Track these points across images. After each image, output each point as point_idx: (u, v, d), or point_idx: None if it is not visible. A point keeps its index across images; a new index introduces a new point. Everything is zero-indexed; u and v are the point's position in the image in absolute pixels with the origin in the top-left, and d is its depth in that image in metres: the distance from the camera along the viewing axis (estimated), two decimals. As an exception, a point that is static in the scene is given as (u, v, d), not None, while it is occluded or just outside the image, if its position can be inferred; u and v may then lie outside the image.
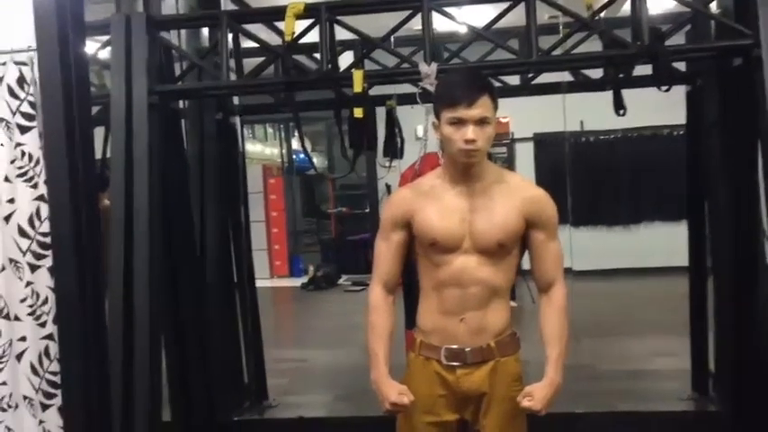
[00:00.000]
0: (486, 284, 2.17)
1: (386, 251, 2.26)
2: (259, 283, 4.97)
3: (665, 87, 3.50)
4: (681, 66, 4.09)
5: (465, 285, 2.16)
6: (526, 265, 2.32)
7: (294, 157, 12.98)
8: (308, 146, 13.56)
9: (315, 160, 13.71)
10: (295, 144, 12.57)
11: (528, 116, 8.45)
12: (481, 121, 2.08)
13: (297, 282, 10.38)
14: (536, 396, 2.12)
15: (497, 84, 4.15)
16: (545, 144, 9.54)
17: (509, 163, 9.98)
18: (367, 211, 10.21)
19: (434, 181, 2.25)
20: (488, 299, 2.18)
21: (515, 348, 2.27)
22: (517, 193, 2.19)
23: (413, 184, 2.34)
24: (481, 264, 2.15)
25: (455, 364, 2.20)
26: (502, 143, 10.03)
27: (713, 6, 3.76)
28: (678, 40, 3.77)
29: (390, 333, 2.25)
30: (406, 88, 3.75)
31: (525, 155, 9.76)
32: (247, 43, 3.96)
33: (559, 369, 2.15)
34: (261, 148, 12.90)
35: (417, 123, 3.36)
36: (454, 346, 2.19)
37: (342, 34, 3.70)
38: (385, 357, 2.20)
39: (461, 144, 2.09)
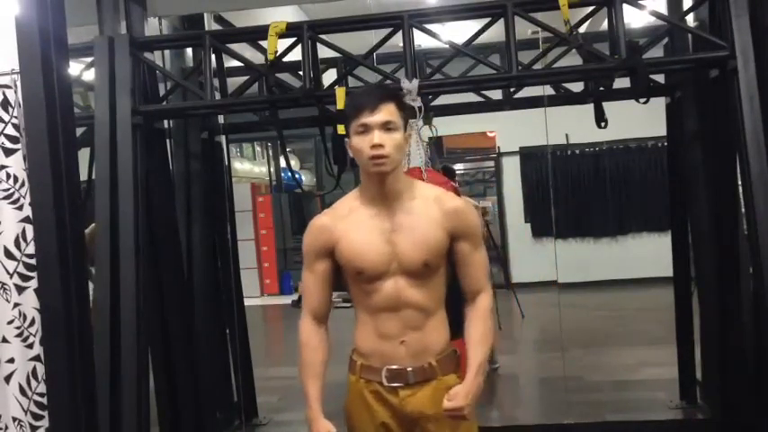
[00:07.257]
0: (419, 306, 2.13)
1: (312, 282, 2.20)
2: (249, 302, 4.97)
3: (643, 99, 3.54)
4: (660, 78, 4.14)
5: (399, 309, 2.12)
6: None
7: (283, 175, 13.00)
8: (297, 163, 13.72)
9: (303, 177, 13.79)
10: (283, 162, 12.60)
11: (514, 130, 8.55)
12: (386, 127, 2.03)
13: (287, 299, 10.35)
14: (460, 394, 2.08)
15: (480, 98, 4.22)
16: (531, 157, 9.60)
17: (496, 176, 10.08)
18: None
19: (353, 203, 2.18)
20: (425, 319, 2.14)
21: (456, 366, 2.21)
22: (437, 206, 2.14)
23: (330, 209, 2.24)
24: (411, 286, 2.11)
25: (397, 384, 2.14)
26: (489, 157, 10.16)
27: (690, 19, 3.83)
28: (657, 52, 3.84)
29: (323, 368, 2.21)
30: (390, 104, 3.78)
31: (512, 168, 9.83)
32: (231, 62, 3.99)
33: (480, 371, 2.11)
34: (249, 166, 12.93)
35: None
36: (395, 367, 2.14)
37: (326, 52, 3.74)
38: (317, 395, 2.15)
39: (369, 151, 2.02)
